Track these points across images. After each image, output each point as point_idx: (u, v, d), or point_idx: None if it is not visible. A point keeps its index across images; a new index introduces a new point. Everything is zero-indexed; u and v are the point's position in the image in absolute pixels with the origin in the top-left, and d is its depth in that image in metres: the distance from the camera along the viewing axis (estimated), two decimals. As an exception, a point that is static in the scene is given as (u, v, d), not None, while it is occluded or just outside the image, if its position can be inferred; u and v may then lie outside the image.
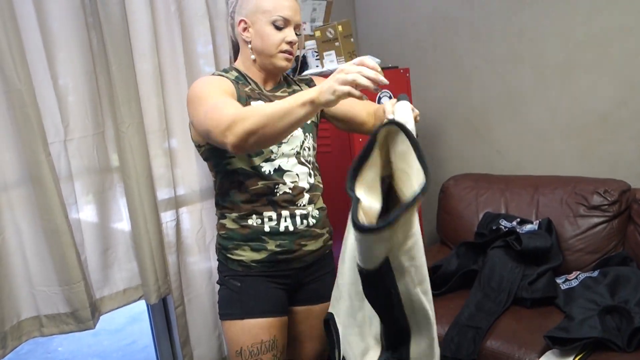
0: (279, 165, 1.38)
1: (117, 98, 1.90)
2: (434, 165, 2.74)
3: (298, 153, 1.40)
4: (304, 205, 1.42)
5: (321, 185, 1.50)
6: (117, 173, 2.02)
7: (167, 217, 2.13)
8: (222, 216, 1.46)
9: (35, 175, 1.80)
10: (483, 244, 2.11)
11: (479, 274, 1.99)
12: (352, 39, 2.36)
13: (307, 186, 1.42)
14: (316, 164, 1.50)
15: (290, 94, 1.45)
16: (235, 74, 1.43)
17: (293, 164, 1.39)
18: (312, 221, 1.43)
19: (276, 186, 1.38)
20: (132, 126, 1.93)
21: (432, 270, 2.07)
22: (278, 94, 1.44)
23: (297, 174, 1.40)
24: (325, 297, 1.47)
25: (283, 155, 1.38)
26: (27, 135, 1.82)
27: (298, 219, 1.41)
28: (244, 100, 1.37)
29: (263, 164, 1.37)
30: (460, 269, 2.05)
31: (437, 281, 2.04)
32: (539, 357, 1.58)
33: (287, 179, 1.39)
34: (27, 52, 1.75)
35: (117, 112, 1.92)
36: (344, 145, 2.14)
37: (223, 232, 1.47)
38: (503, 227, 2.12)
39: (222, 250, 1.48)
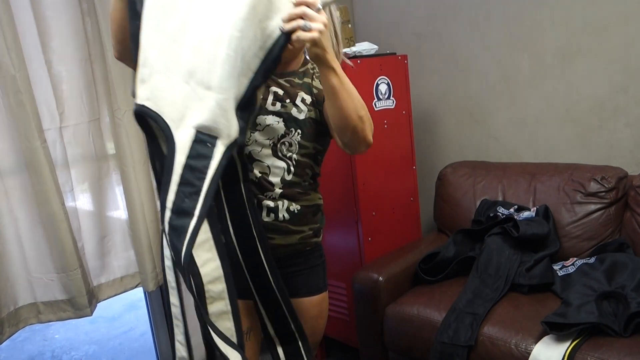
0: (250, 152, 1.31)
1: (112, 85, 1.89)
2: (431, 152, 2.74)
3: (275, 145, 1.31)
4: (274, 199, 1.33)
5: (306, 184, 1.38)
6: (113, 160, 2.01)
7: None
8: None
9: (31, 162, 1.79)
10: (480, 231, 2.11)
11: (476, 261, 1.99)
12: (349, 25, 2.35)
13: (279, 182, 1.33)
14: (309, 163, 1.37)
15: (299, 84, 1.36)
16: None
17: (266, 155, 1.31)
18: (284, 216, 1.34)
19: None
20: (128, 113, 1.91)
21: (430, 258, 2.07)
22: (281, 81, 1.35)
23: (268, 166, 1.32)
24: (303, 292, 1.43)
25: (256, 142, 1.31)
26: (21, 122, 1.81)
27: (265, 211, 1.33)
28: None
29: None
30: (458, 256, 2.05)
31: (435, 268, 2.05)
32: (536, 342, 1.59)
33: (255, 168, 1.32)
34: (21, 38, 1.73)
35: (112, 99, 1.90)
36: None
37: None
38: (500, 214, 2.12)
39: None
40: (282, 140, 1.32)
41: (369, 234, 2.17)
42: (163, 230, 0.99)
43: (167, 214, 0.97)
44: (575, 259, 1.96)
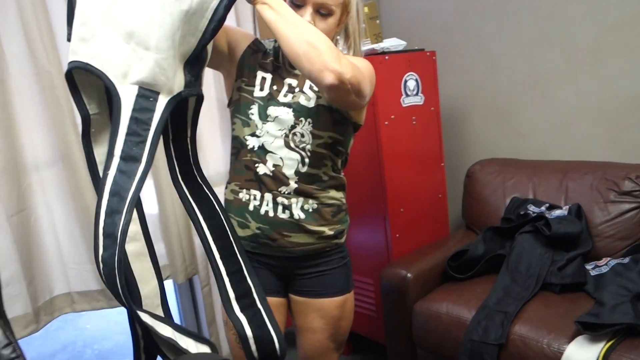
0: (263, 144, 1.31)
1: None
2: (460, 149, 2.72)
3: (286, 136, 1.30)
4: (288, 194, 1.31)
5: (326, 178, 1.35)
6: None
7: (193, 198, 2.14)
8: (225, 186, 1.42)
9: (66, 156, 1.83)
10: (510, 229, 2.08)
11: (506, 259, 1.97)
12: (377, 21, 2.34)
13: (292, 174, 1.30)
14: (327, 154, 1.34)
15: None
16: (275, 45, 1.38)
17: (278, 147, 1.30)
18: (299, 214, 1.32)
19: (256, 164, 1.32)
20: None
21: (458, 255, 2.06)
22: (296, 71, 1.35)
23: (281, 158, 1.30)
24: (323, 293, 1.40)
25: (268, 134, 1.30)
26: (57, 116, 1.85)
27: (280, 208, 1.31)
28: (249, 67, 1.34)
29: (249, 138, 1.33)
30: (487, 254, 2.03)
31: (464, 265, 2.03)
32: (569, 342, 1.56)
33: (269, 159, 1.31)
34: (55, 34, 1.77)
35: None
36: (369, 128, 2.13)
37: (224, 202, 1.42)
38: (531, 212, 2.09)
39: None
40: (293, 131, 1.30)
41: (396, 231, 2.16)
42: (105, 175, 1.08)
43: (116, 160, 1.07)
44: (608, 258, 1.93)
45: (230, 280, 1.26)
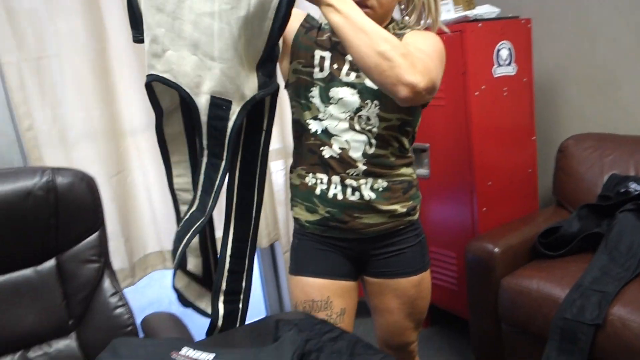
0: (326, 127, 1.25)
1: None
2: (553, 122, 2.57)
3: (352, 119, 1.24)
4: (357, 176, 1.27)
5: (393, 159, 1.29)
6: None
7: (277, 166, 2.18)
8: (291, 170, 1.39)
9: (159, 121, 1.89)
10: (609, 207, 1.96)
11: (604, 238, 1.85)
12: (470, -14, 2.24)
13: (360, 157, 1.26)
14: (394, 135, 1.27)
15: None
16: None
17: (343, 130, 1.25)
18: (369, 195, 1.27)
19: (321, 148, 1.27)
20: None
21: (550, 232, 1.96)
22: None
23: (347, 141, 1.25)
24: (399, 273, 1.37)
25: (332, 117, 1.24)
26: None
27: (349, 190, 1.27)
28: (305, 47, 1.27)
29: (311, 122, 1.27)
30: (582, 232, 1.92)
31: (555, 243, 1.93)
32: (676, 327, 1.46)
33: (334, 143, 1.26)
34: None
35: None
36: (458, 98, 2.06)
37: (290, 187, 1.41)
38: (633, 190, 1.95)
39: (291, 205, 1.43)
40: (358, 114, 1.24)
41: (483, 204, 2.09)
42: (200, 162, 1.20)
43: (206, 152, 1.18)
44: None
45: (227, 277, 1.29)
